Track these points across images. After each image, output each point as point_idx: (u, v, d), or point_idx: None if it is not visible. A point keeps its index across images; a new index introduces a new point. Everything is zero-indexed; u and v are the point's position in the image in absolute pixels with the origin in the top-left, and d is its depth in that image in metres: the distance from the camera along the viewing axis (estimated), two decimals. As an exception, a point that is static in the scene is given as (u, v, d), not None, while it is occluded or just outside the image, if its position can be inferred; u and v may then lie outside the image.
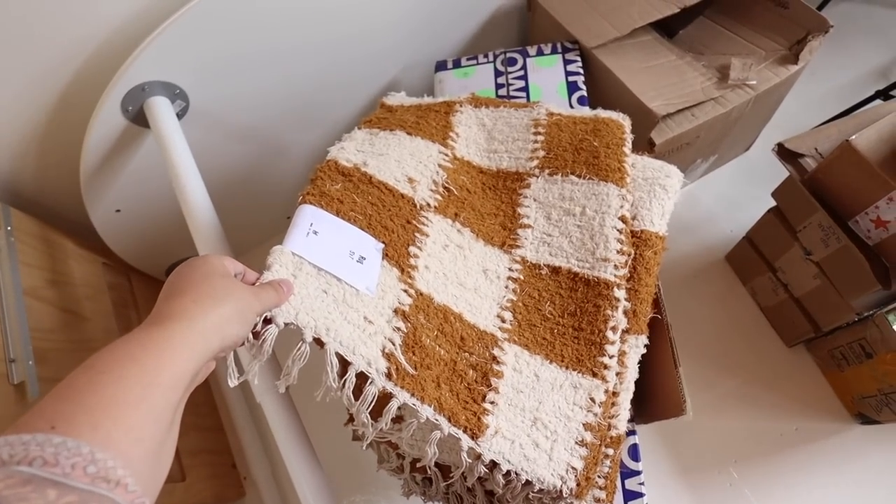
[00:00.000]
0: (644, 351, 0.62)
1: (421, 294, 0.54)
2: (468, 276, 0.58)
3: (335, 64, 0.86)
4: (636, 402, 0.70)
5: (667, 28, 0.95)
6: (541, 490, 0.50)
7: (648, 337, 0.68)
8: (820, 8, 1.17)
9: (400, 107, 0.73)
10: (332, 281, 0.48)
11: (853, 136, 0.67)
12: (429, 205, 0.60)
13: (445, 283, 0.56)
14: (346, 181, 0.58)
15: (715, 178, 1.10)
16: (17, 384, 0.63)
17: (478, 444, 0.49)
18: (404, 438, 0.52)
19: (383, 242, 0.54)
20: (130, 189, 0.80)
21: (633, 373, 0.60)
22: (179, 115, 0.75)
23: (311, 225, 0.52)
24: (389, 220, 0.57)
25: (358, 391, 0.46)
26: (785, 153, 0.79)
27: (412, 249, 0.56)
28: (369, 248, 0.53)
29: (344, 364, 0.46)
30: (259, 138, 0.88)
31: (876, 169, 0.66)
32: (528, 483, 0.50)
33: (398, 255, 0.54)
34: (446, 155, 0.65)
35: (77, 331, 0.77)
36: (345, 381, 0.45)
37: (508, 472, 0.50)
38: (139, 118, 0.72)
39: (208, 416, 0.98)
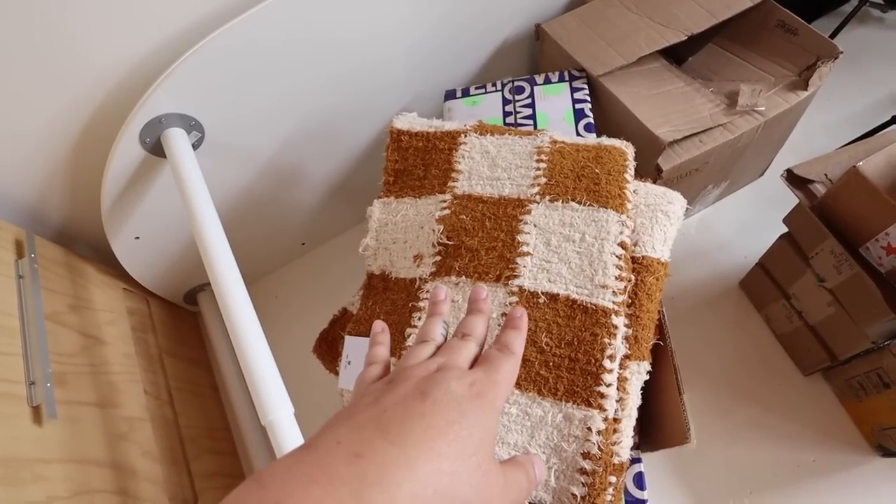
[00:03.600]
0: (647, 377, 0.61)
1: None
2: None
3: (348, 95, 0.88)
4: (642, 429, 0.69)
5: (675, 55, 0.96)
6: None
7: (652, 363, 0.67)
8: (834, 34, 1.16)
9: (409, 137, 0.75)
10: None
11: (861, 163, 0.67)
12: (429, 275, 0.65)
13: None
14: (373, 294, 0.70)
15: (728, 203, 1.09)
16: (35, 406, 0.65)
17: None
18: None
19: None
20: (148, 217, 0.83)
21: (635, 399, 0.60)
22: (195, 146, 0.78)
23: (347, 356, 0.66)
24: (395, 315, 0.66)
25: None
26: (794, 179, 0.78)
27: (408, 331, 0.63)
28: None
29: None
30: (273, 167, 0.91)
31: (884, 195, 0.65)
32: None
33: (394, 344, 0.62)
34: (444, 201, 0.68)
35: (96, 355, 0.79)
36: None
37: None
38: (156, 149, 0.75)
39: (223, 439, 0.99)
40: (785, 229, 0.84)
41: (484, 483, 0.24)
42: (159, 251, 0.90)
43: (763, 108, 0.84)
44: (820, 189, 0.76)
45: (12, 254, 0.74)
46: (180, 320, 1.06)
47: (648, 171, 0.84)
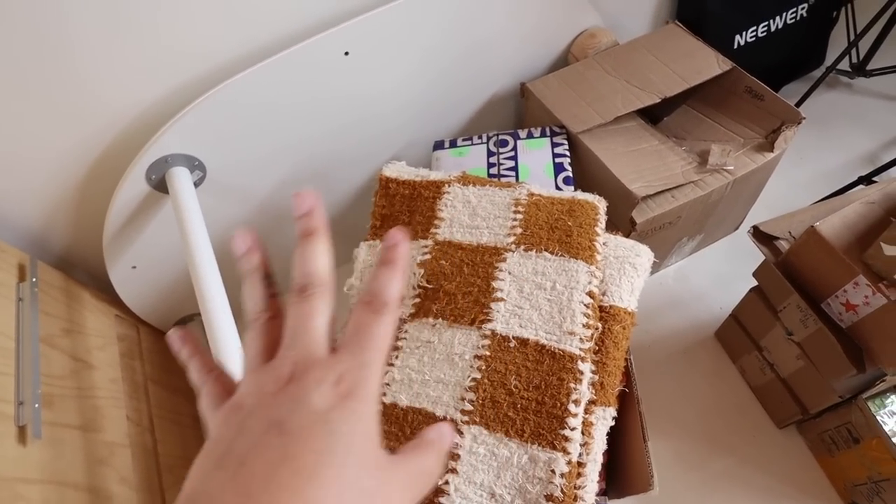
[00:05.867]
0: (612, 423, 0.64)
1: (385, 406, 0.63)
2: (434, 369, 0.64)
3: (343, 143, 0.94)
4: (608, 475, 0.71)
5: (651, 115, 1.02)
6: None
7: (619, 410, 0.70)
8: (804, 98, 1.23)
9: (397, 184, 0.80)
10: None
11: (818, 223, 0.71)
12: (408, 315, 0.68)
13: (410, 385, 0.63)
14: None
15: (705, 255, 1.13)
16: (21, 426, 0.68)
17: None
18: None
19: None
20: (146, 248, 0.87)
21: (600, 444, 0.62)
22: (197, 184, 0.83)
23: None
24: None
25: None
26: (761, 236, 0.82)
27: (385, 370, 0.64)
28: None
29: None
30: (269, 205, 0.95)
31: (840, 254, 0.69)
32: None
33: None
34: (426, 247, 0.72)
35: (84, 379, 0.82)
36: None
37: None
38: (160, 185, 0.80)
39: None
40: (756, 282, 0.88)
41: (379, 490, 0.22)
42: (153, 281, 0.94)
43: (732, 168, 0.89)
44: (784, 246, 0.80)
45: (14, 277, 0.77)
46: (166, 350, 1.08)
47: (623, 223, 0.88)
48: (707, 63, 0.95)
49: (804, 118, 0.89)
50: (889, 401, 0.78)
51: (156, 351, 1.04)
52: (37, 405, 0.70)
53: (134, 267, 0.89)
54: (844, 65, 1.29)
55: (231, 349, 0.66)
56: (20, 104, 0.70)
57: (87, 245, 0.89)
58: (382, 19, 0.81)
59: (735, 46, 1.17)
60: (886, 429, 0.76)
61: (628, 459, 0.68)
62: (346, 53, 0.81)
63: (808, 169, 1.23)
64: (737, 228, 1.14)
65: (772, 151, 0.90)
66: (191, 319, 1.09)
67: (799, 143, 1.25)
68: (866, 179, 1.07)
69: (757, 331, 0.92)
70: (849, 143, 1.28)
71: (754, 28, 1.17)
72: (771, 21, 1.17)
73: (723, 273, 1.10)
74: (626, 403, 0.70)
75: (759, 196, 1.05)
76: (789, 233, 0.81)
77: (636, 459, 0.65)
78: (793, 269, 0.78)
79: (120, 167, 0.77)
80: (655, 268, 1.09)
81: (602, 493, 0.70)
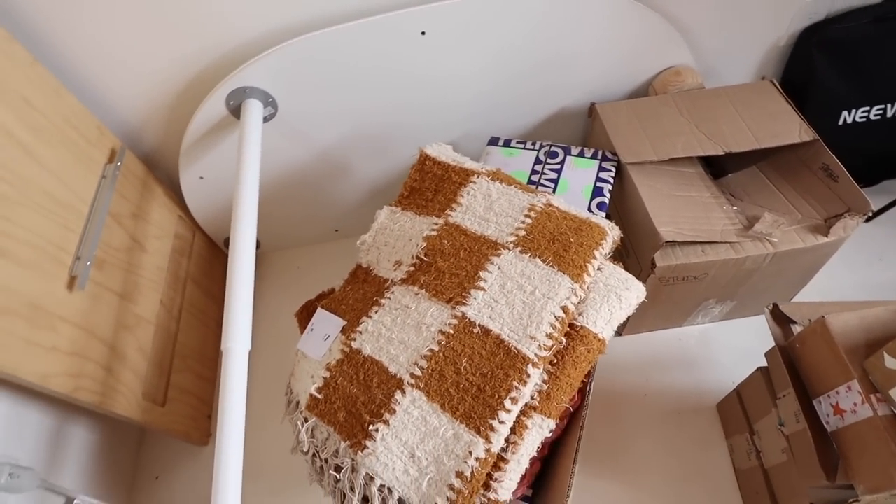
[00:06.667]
0: (549, 434, 0.66)
1: (352, 349, 0.71)
2: (402, 331, 0.70)
3: (408, 118, 1.01)
4: (536, 486, 0.72)
5: (718, 167, 0.99)
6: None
7: (565, 429, 0.71)
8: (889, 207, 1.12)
9: (433, 163, 0.85)
10: (304, 357, 0.75)
11: (831, 315, 0.67)
12: (399, 280, 0.75)
13: (378, 339, 0.71)
14: (355, 282, 0.81)
15: (734, 326, 1.08)
16: (73, 276, 0.81)
17: (354, 455, 0.63)
18: (316, 442, 0.69)
19: (346, 320, 0.74)
20: (214, 164, 0.99)
21: (528, 448, 0.64)
22: (266, 118, 0.93)
23: (313, 325, 0.77)
24: (360, 303, 0.76)
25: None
26: (779, 315, 0.79)
27: (363, 319, 0.73)
28: (335, 327, 0.75)
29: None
30: (326, 155, 1.04)
31: (841, 352, 0.65)
32: (401, 502, 0.61)
33: (350, 326, 0.73)
34: (436, 224, 0.77)
35: (135, 257, 0.95)
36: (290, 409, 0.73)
37: (383, 486, 0.60)
38: (236, 111, 0.91)
39: (208, 368, 1.12)
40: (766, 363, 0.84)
41: None
42: (215, 194, 1.06)
43: (776, 240, 0.85)
44: (797, 332, 0.76)
45: (105, 157, 0.91)
46: (214, 258, 1.22)
47: (646, 263, 0.88)
48: (788, 129, 0.91)
49: (872, 210, 0.83)
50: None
51: (203, 256, 1.17)
52: (89, 263, 0.83)
53: (201, 178, 1.02)
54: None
55: (241, 260, 0.75)
56: (147, 20, 0.83)
57: (169, 149, 1.03)
58: (466, 8, 0.86)
59: (840, 122, 1.09)
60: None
61: (555, 476, 0.69)
62: (423, 33, 0.87)
63: (887, 273, 1.13)
64: (781, 308, 1.08)
65: (826, 236, 0.85)
66: (242, 239, 1.22)
67: (883, 243, 1.15)
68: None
69: (754, 413, 0.88)
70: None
71: (867, 108, 1.08)
72: (889, 105, 1.08)
73: (748, 349, 1.03)
74: (573, 424, 0.70)
75: (809, 281, 0.98)
76: (809, 320, 0.77)
77: (561, 476, 0.66)
78: (795, 358, 0.74)
79: (209, 88, 0.89)
80: (678, 323, 1.07)
81: (526, 499, 0.72)
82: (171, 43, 0.87)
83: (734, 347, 1.06)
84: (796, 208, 0.90)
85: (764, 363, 0.86)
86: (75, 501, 0.86)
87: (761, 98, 0.97)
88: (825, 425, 0.70)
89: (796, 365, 0.74)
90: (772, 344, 0.84)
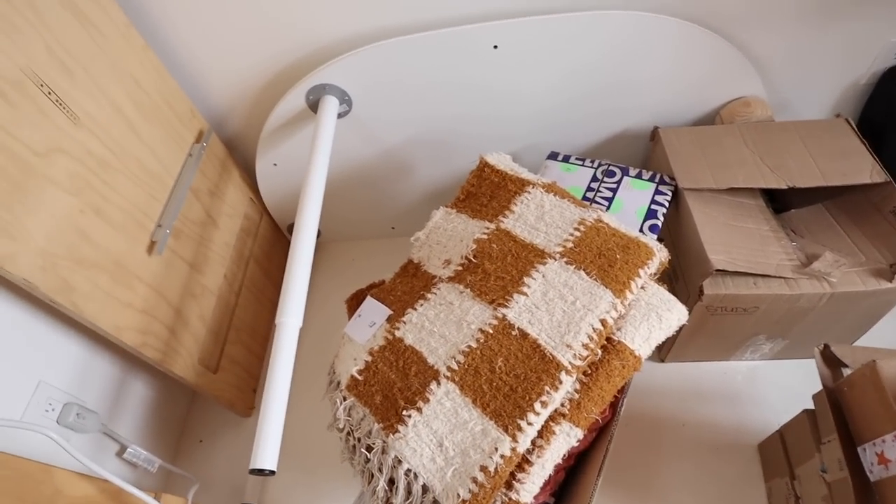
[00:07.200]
0: (575, 444, 0.67)
1: (395, 338, 0.74)
2: (444, 326, 0.73)
3: (472, 127, 1.05)
4: (559, 496, 0.73)
5: (781, 202, 0.97)
6: (435, 502, 0.63)
7: (594, 443, 0.72)
8: None
9: (491, 171, 0.88)
10: (349, 341, 0.79)
11: (882, 359, 0.65)
12: (446, 278, 0.78)
13: (420, 330, 0.74)
14: (404, 276, 0.85)
15: (785, 366, 1.04)
16: (153, 241, 0.89)
17: (386, 437, 0.66)
18: (352, 421, 0.72)
19: (392, 310, 0.78)
20: (288, 153, 1.06)
21: (554, 453, 0.65)
22: (341, 115, 0.99)
23: (360, 311, 0.81)
24: (407, 295, 0.80)
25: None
26: (829, 357, 0.76)
27: (408, 311, 0.76)
28: (382, 315, 0.79)
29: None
30: (391, 155, 1.10)
31: (889, 399, 0.63)
32: (425, 488, 0.64)
33: (395, 316, 0.77)
34: (487, 229, 0.80)
35: (207, 231, 1.03)
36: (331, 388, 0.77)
37: (409, 470, 0.63)
38: (313, 106, 0.97)
39: (259, 343, 1.19)
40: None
41: None
42: (285, 182, 1.14)
43: (835, 280, 0.82)
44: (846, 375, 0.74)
45: (193, 137, 1.00)
46: (277, 242, 1.29)
47: (694, 289, 0.87)
48: (858, 168, 0.88)
49: (943, 260, 0.79)
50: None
51: (267, 238, 1.25)
52: (168, 231, 0.91)
53: (275, 164, 1.09)
54: None
55: (302, 244, 0.80)
56: (249, 19, 0.91)
57: (249, 136, 1.11)
58: (540, 27, 0.89)
59: (920, 169, 1.05)
60: None
61: (578, 488, 0.69)
62: (496, 47, 0.91)
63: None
64: (837, 354, 1.03)
65: (890, 282, 0.81)
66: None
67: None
68: None
69: (796, 456, 0.85)
70: None
71: (953, 156, 1.03)
72: (978, 155, 1.02)
73: (796, 390, 0.99)
74: (602, 438, 0.71)
75: (869, 328, 0.94)
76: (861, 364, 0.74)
77: (584, 489, 0.67)
78: (844, 402, 0.71)
79: (291, 83, 0.96)
80: (725, 357, 1.05)
81: (548, 506, 0.73)
82: (266, 41, 0.95)
83: (782, 387, 1.02)
84: (860, 250, 0.87)
85: (811, 406, 0.83)
86: (128, 450, 0.93)
87: (833, 135, 0.94)
88: (868, 474, 0.67)
89: (843, 409, 0.72)
90: (821, 387, 0.81)
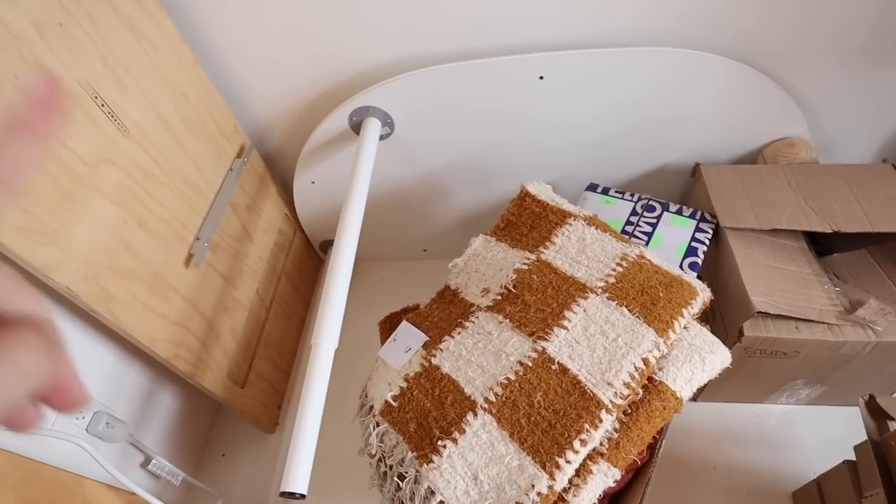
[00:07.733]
0: (612, 484, 0.65)
1: (431, 365, 0.73)
2: (482, 356, 0.72)
3: (513, 155, 1.05)
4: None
5: (823, 245, 0.95)
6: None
7: (631, 484, 0.70)
8: None
9: (532, 200, 0.88)
10: (383, 365, 0.79)
11: (937, 417, 0.63)
12: (485, 307, 0.78)
13: (458, 359, 0.73)
14: (441, 302, 0.84)
15: (824, 412, 1.01)
16: (191, 254, 0.90)
17: (419, 467, 0.65)
18: (384, 447, 0.72)
19: (429, 336, 0.77)
20: (327, 172, 1.07)
21: (590, 493, 0.64)
22: (382, 137, 1.00)
23: (396, 335, 0.81)
24: (445, 322, 0.78)
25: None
26: (874, 409, 0.74)
27: (445, 338, 0.76)
28: (418, 341, 0.78)
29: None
30: (430, 179, 1.10)
31: (945, 459, 0.60)
32: None
33: (432, 343, 0.76)
34: (528, 259, 0.80)
35: (243, 245, 1.04)
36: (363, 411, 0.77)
37: (442, 503, 0.63)
38: (356, 127, 0.98)
39: (286, 360, 1.19)
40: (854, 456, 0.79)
41: None
42: (321, 200, 1.14)
43: (880, 329, 0.80)
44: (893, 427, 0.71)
45: (235, 151, 1.02)
46: (309, 259, 1.30)
47: (734, 331, 0.85)
48: (906, 216, 0.87)
49: None
50: None
51: (299, 255, 1.25)
52: (206, 244, 0.92)
53: (313, 182, 1.10)
54: None
55: (341, 264, 0.81)
56: (297, 40, 0.93)
57: (289, 153, 1.12)
58: (587, 60, 0.89)
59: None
60: None
61: (615, 530, 0.68)
62: (541, 78, 0.91)
63: None
64: (876, 404, 1.00)
65: (939, 333, 0.79)
66: (331, 245, 1.30)
67: None
68: None
69: (835, 509, 0.82)
70: None
71: None
72: None
73: (834, 439, 0.97)
74: (638, 480, 0.69)
75: (915, 379, 0.91)
76: (911, 419, 0.72)
77: (621, 532, 0.65)
78: (890, 456, 0.69)
79: (333, 104, 0.97)
80: (760, 399, 1.02)
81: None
82: (312, 62, 0.96)
83: (819, 434, 0.99)
84: (907, 300, 0.85)
85: (851, 456, 0.80)
86: (153, 462, 0.93)
87: (880, 180, 0.93)
88: (917, 537, 0.65)
89: (889, 463, 0.69)
90: (863, 437, 0.79)
